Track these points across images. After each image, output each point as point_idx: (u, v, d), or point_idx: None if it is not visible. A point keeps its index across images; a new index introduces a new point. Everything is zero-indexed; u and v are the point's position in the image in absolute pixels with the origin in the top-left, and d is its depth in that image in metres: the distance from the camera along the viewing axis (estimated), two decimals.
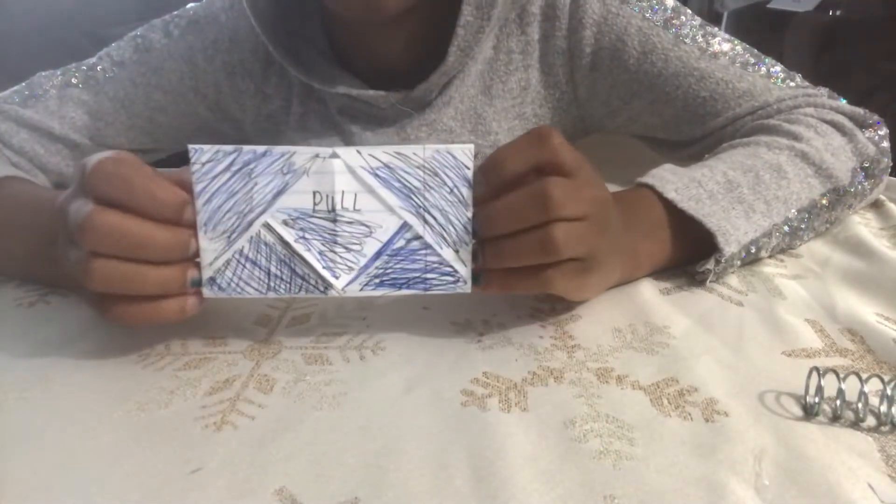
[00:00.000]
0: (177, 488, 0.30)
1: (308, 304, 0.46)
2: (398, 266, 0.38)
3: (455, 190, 0.37)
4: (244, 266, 0.37)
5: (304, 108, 0.67)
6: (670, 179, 0.47)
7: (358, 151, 0.36)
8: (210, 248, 0.37)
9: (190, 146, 0.35)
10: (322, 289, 0.38)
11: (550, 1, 0.61)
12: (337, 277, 0.38)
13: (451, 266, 0.38)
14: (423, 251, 0.38)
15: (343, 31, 0.64)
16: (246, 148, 0.35)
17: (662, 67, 0.60)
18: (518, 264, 0.38)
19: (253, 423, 0.34)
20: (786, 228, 0.50)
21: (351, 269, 0.38)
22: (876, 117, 0.57)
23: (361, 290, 0.38)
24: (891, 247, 0.52)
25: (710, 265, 0.46)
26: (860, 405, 0.33)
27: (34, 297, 0.48)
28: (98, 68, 0.66)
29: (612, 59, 0.61)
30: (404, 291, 0.38)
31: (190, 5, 0.68)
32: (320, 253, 0.37)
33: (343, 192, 0.36)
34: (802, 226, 0.51)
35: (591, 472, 0.30)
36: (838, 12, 2.07)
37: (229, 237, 0.37)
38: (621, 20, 0.60)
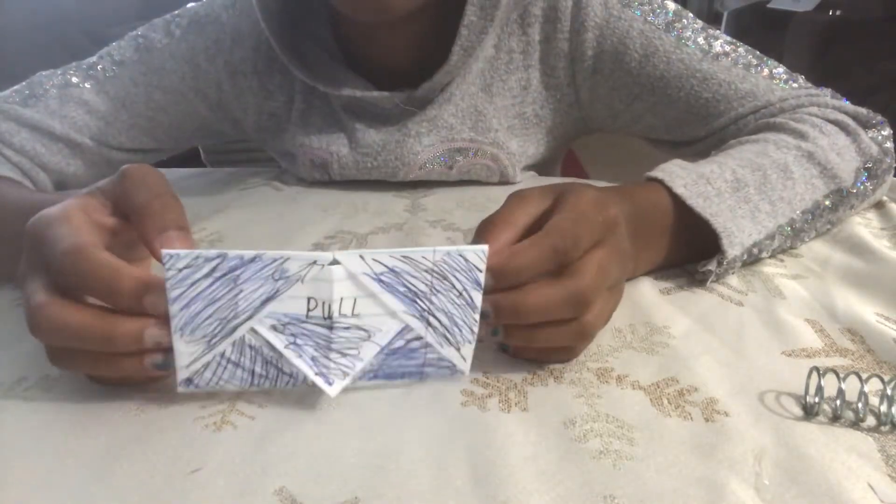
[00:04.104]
0: (177, 488, 0.30)
1: None
2: (395, 363, 0.35)
3: (464, 293, 0.34)
4: (225, 367, 0.33)
5: (306, 105, 0.68)
6: (679, 174, 0.47)
7: (361, 257, 0.32)
8: (186, 350, 0.32)
9: (164, 251, 0.30)
10: (310, 384, 0.34)
11: (552, 3, 0.62)
12: (330, 384, 0.34)
13: (450, 361, 0.36)
14: (423, 349, 0.35)
15: (350, 30, 0.64)
16: (231, 253, 0.30)
17: (665, 70, 0.60)
18: (550, 346, 0.37)
19: (253, 423, 0.34)
20: (788, 230, 0.49)
21: (346, 374, 0.34)
22: (879, 117, 0.58)
23: (353, 383, 0.35)
24: (891, 247, 0.52)
25: (713, 266, 0.46)
26: (860, 405, 0.33)
27: None
28: (99, 67, 0.66)
29: (615, 61, 0.61)
30: (397, 381, 0.36)
31: (191, 5, 0.68)
32: (312, 359, 0.34)
33: (342, 298, 0.32)
34: (805, 227, 0.51)
35: (590, 472, 0.30)
36: (838, 12, 2.07)
37: (209, 341, 0.32)
38: (623, 23, 0.60)
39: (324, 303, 0.32)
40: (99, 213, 0.35)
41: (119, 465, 0.31)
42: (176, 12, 0.68)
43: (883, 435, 0.33)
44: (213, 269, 0.30)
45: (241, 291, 0.31)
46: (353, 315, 0.33)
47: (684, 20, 0.60)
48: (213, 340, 0.32)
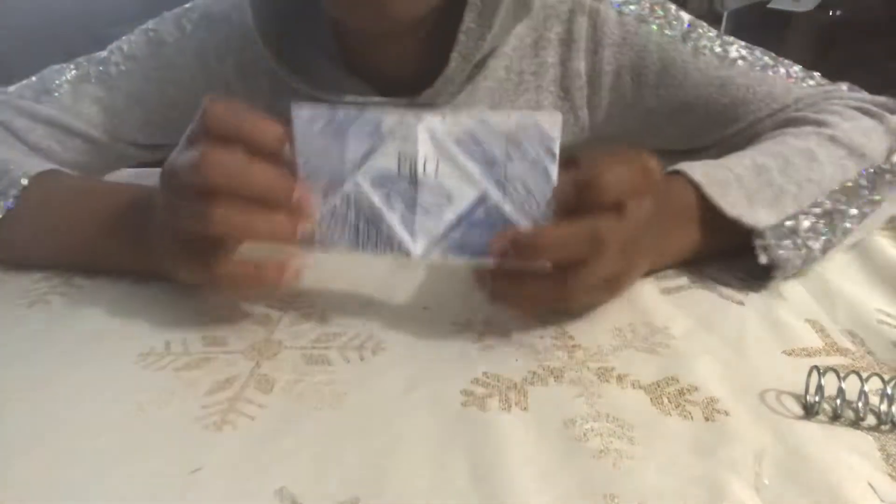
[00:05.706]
0: (177, 488, 0.30)
1: (308, 304, 0.46)
2: (476, 234, 0.38)
3: (538, 162, 0.37)
4: (336, 222, 0.39)
5: None
6: (698, 165, 0.47)
7: (442, 118, 0.37)
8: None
9: (293, 103, 0.38)
10: (405, 252, 0.39)
11: (568, 27, 0.62)
12: (415, 241, 0.39)
13: None
14: (503, 224, 0.38)
15: (351, 36, 0.64)
16: (341, 111, 0.38)
17: (683, 80, 0.60)
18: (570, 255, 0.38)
19: (253, 423, 0.34)
20: (818, 210, 0.47)
21: (429, 233, 0.39)
22: None
23: (439, 255, 0.39)
24: (891, 246, 0.52)
25: (761, 241, 0.44)
26: (860, 404, 0.33)
27: (34, 296, 0.48)
28: (112, 61, 0.65)
29: (633, 77, 0.61)
30: (481, 260, 0.39)
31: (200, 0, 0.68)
32: (401, 216, 0.39)
33: (425, 157, 0.38)
34: (841, 207, 0.48)
35: (591, 471, 0.30)
36: (838, 12, 2.07)
37: (324, 194, 0.39)
38: (640, 39, 0.60)
39: (411, 159, 0.38)
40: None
41: (119, 465, 0.31)
42: (187, 6, 0.68)
43: (883, 434, 0.33)
44: (328, 123, 0.38)
45: (348, 146, 0.38)
46: (435, 176, 0.38)
47: (699, 30, 0.61)
48: (327, 193, 0.39)
